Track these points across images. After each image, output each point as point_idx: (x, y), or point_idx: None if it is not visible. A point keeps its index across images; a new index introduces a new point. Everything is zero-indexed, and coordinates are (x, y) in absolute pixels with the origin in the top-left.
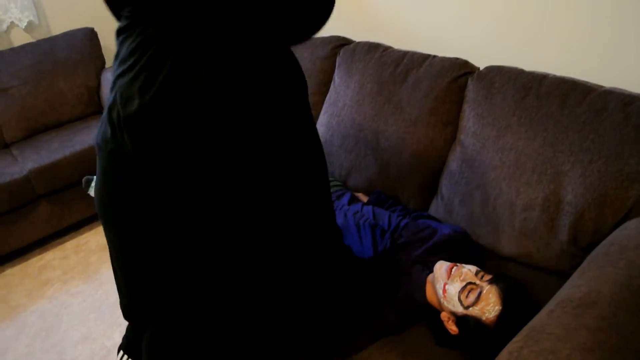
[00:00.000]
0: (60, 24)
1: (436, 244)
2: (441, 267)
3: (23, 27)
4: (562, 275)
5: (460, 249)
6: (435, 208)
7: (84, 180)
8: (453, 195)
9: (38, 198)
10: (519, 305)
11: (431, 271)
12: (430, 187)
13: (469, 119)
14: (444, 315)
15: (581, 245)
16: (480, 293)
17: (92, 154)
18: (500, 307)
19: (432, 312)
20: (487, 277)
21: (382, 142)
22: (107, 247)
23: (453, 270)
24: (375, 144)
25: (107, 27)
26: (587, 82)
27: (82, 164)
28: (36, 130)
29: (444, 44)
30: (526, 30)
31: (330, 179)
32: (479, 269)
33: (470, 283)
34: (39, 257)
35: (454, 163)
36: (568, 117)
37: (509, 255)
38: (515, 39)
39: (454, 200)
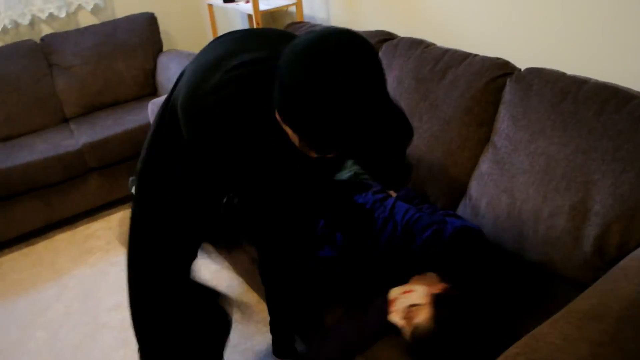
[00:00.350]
0: (123, 7)
1: (438, 239)
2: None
3: (89, 10)
4: (584, 288)
5: (465, 247)
6: (463, 208)
7: (130, 179)
8: (480, 197)
9: (90, 171)
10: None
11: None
12: (460, 187)
13: (504, 121)
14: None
15: (606, 259)
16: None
17: (142, 133)
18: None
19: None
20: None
21: (415, 139)
22: None
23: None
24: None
25: (166, 12)
26: (629, 89)
27: (132, 141)
28: (93, 108)
29: (490, 44)
30: (578, 33)
31: (361, 171)
32: (432, 293)
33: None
34: (86, 226)
35: (484, 164)
36: (604, 124)
37: (531, 262)
38: (566, 42)
39: (481, 202)
